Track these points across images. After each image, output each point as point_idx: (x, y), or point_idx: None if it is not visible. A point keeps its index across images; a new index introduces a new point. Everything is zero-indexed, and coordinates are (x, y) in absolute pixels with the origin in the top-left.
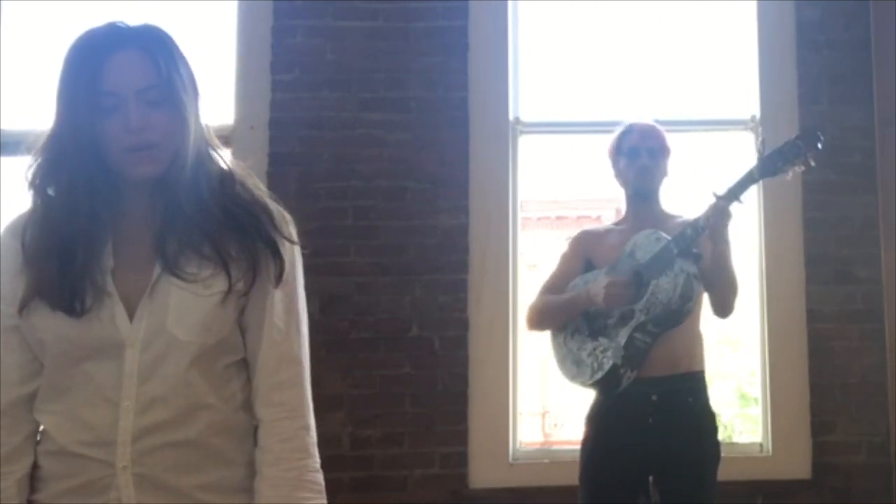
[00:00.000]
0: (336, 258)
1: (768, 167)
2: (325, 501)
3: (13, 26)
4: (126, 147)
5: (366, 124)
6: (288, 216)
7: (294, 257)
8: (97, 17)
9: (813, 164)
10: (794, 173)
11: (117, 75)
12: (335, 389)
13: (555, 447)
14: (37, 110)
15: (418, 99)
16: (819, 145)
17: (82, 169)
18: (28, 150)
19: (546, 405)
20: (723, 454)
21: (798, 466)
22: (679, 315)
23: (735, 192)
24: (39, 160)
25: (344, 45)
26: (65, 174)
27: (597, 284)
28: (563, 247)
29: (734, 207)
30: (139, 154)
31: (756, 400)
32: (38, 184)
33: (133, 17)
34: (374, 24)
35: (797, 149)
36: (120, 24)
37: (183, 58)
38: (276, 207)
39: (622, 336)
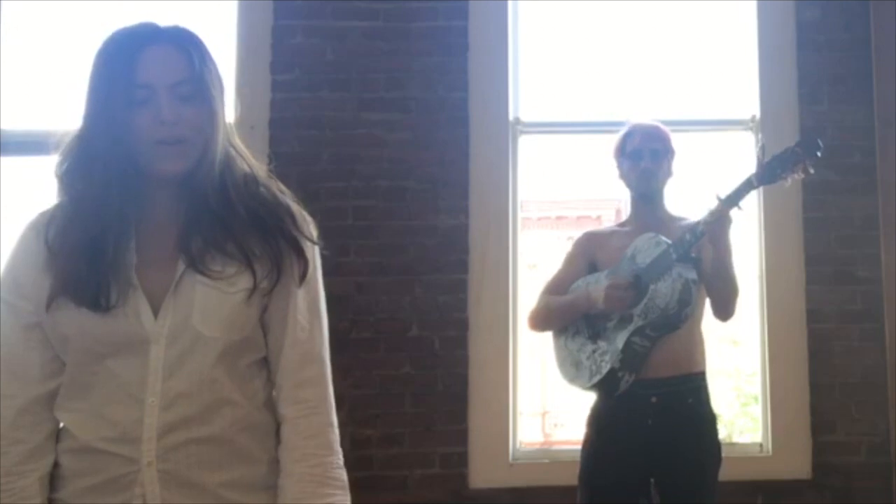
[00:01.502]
0: (336, 258)
1: (767, 174)
2: (348, 498)
3: (13, 26)
4: (157, 140)
5: (366, 124)
6: (309, 217)
7: (315, 257)
8: (97, 18)
9: (812, 171)
10: (792, 180)
11: (151, 68)
12: (335, 389)
13: (555, 447)
14: (37, 110)
15: (418, 99)
16: (818, 153)
17: (115, 164)
18: (56, 148)
19: (546, 405)
20: (723, 454)
21: (798, 466)
22: (677, 320)
23: (734, 199)
24: (70, 155)
25: (344, 45)
26: (98, 169)
27: (598, 287)
28: (567, 248)
29: (733, 213)
30: (169, 148)
31: (756, 399)
32: (68, 179)
33: (134, 18)
34: (374, 24)
35: (796, 156)
36: (152, 23)
37: (212, 58)
38: (297, 209)
39: (620, 340)
